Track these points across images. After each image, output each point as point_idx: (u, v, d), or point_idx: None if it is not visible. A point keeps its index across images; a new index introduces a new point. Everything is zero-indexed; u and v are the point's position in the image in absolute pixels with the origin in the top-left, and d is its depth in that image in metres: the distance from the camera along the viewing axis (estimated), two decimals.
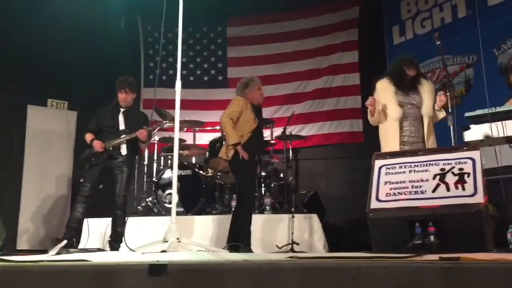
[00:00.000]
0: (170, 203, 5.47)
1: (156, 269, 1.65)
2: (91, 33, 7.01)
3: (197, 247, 3.14)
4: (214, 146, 5.77)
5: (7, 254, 4.53)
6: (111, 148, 4.60)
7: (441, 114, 4.00)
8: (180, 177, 5.42)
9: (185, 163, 5.91)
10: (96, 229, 5.19)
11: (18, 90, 6.56)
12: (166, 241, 2.75)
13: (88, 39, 6.99)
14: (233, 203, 5.44)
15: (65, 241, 4.10)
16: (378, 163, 2.88)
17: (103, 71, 7.08)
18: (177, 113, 3.13)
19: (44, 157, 6.55)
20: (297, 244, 4.78)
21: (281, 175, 6.22)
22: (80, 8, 6.65)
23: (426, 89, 4.01)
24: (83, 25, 6.83)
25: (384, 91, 4.05)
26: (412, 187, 2.68)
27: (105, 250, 4.63)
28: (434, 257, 1.88)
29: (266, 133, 6.65)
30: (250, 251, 4.13)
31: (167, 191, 5.62)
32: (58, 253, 3.55)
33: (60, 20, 6.52)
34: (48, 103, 6.84)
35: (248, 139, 4.58)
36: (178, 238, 2.76)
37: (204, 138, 6.84)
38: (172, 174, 5.50)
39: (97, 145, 4.59)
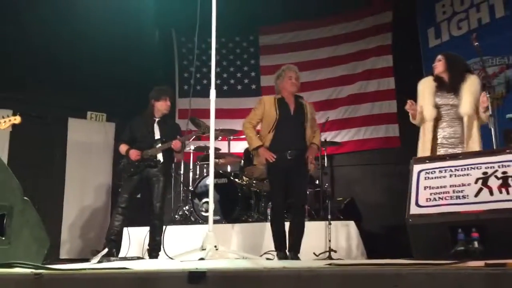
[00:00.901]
0: (206, 211, 5.51)
1: (195, 277, 1.66)
2: (127, 47, 7.18)
3: (234, 254, 3.15)
4: (249, 154, 5.78)
5: (50, 263, 4.66)
6: (147, 157, 4.68)
7: (486, 115, 3.86)
8: (216, 186, 5.46)
9: (220, 171, 5.95)
10: (135, 238, 5.28)
11: (60, 103, 6.78)
12: (204, 249, 2.76)
13: (124, 52, 7.16)
14: (269, 211, 5.44)
15: (106, 249, 4.19)
16: (416, 167, 2.82)
17: (139, 82, 7.22)
18: (212, 122, 3.15)
19: (84, 168, 6.74)
20: (335, 251, 4.72)
21: (317, 182, 6.17)
22: (116, 23, 6.82)
23: (468, 87, 3.83)
24: (119, 39, 7.00)
25: (423, 91, 3.98)
26: (453, 192, 2.61)
27: (144, 259, 4.70)
28: (479, 263, 1.82)
29: None
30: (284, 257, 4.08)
31: (203, 200, 5.66)
32: (99, 262, 3.63)
33: (97, 35, 6.71)
34: (87, 116, 7.05)
35: (272, 138, 4.32)
36: (215, 246, 2.77)
37: (239, 147, 6.87)
38: (208, 183, 5.59)
39: (134, 154, 4.67)
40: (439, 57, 4.00)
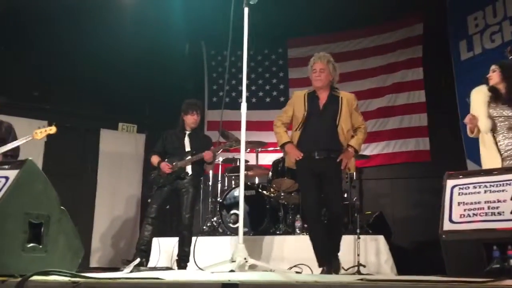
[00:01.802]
0: (234, 223, 5.53)
1: None
2: (157, 59, 7.33)
3: (263, 267, 3.15)
4: (277, 166, 5.79)
5: (82, 271, 4.75)
6: (177, 169, 4.75)
7: None
8: (244, 198, 5.47)
9: (248, 183, 5.97)
10: (164, 249, 5.33)
11: (92, 115, 6.95)
12: (234, 261, 2.77)
13: (155, 65, 7.32)
14: (297, 224, 5.42)
15: (138, 259, 4.25)
16: (450, 183, 2.77)
17: (169, 94, 7.36)
18: (243, 136, 3.16)
19: (115, 179, 6.87)
20: (364, 266, 4.66)
21: (345, 195, 6.12)
22: (147, 36, 6.98)
23: None
24: (150, 52, 7.16)
25: (477, 100, 3.87)
26: (488, 208, 2.55)
27: (173, 269, 4.74)
28: None
29: None
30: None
31: (232, 211, 5.68)
32: (131, 271, 3.69)
33: (128, 49, 6.87)
34: (119, 127, 7.19)
35: (299, 136, 3.99)
36: (245, 258, 2.78)
37: (267, 159, 6.89)
38: (236, 194, 5.61)
39: (165, 167, 4.75)
40: (493, 67, 3.87)
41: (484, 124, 3.75)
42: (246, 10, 3.25)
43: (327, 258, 3.84)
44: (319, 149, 3.91)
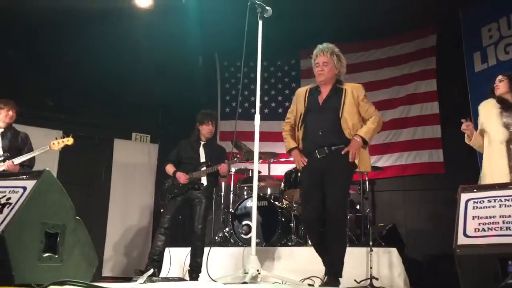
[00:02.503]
0: (246, 233, 5.53)
1: None
2: (170, 70, 7.41)
3: (276, 279, 3.15)
4: (290, 177, 5.79)
5: (95, 280, 4.78)
6: (192, 179, 4.77)
7: None
8: (256, 208, 5.48)
9: (261, 194, 5.97)
10: (176, 259, 5.34)
11: (106, 125, 7.03)
12: (247, 273, 2.78)
13: (168, 76, 7.39)
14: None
15: (152, 270, 4.27)
16: (464, 196, 2.75)
17: (181, 104, 7.42)
18: (257, 146, 3.18)
19: (128, 188, 6.92)
20: (376, 279, 4.62)
21: (358, 206, 6.09)
22: (160, 48, 7.06)
23: None
24: (163, 63, 7.25)
25: (487, 112, 3.88)
26: (503, 223, 2.53)
27: (185, 280, 4.75)
28: None
29: None
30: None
31: (244, 222, 5.68)
32: (144, 282, 3.70)
33: (142, 60, 6.97)
34: (132, 137, 7.26)
35: (302, 136, 3.68)
36: (258, 270, 2.78)
37: (279, 169, 6.89)
38: (248, 205, 5.62)
39: (182, 177, 4.77)
40: (500, 77, 3.90)
41: (500, 133, 3.74)
42: (260, 23, 3.29)
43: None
44: (320, 146, 3.56)
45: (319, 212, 3.49)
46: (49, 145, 4.67)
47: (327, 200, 3.46)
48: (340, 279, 3.52)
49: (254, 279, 2.75)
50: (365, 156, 3.66)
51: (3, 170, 4.48)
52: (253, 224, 2.95)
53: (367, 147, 3.69)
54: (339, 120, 3.57)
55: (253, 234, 2.95)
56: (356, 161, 3.55)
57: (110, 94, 6.97)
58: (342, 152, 3.51)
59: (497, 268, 2.48)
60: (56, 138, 4.71)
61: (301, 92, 3.84)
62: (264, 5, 3.30)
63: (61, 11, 6.00)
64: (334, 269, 3.50)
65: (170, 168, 4.94)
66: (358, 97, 3.67)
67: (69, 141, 4.72)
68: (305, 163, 3.62)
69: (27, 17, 6.09)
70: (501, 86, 3.87)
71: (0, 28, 6.07)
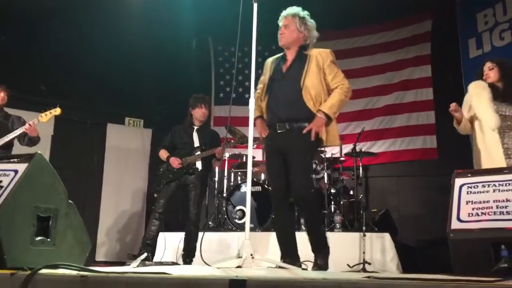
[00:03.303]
0: (240, 218, 5.54)
1: (236, 285, 1.67)
2: (164, 54, 7.34)
3: (269, 263, 3.15)
4: None
5: (88, 265, 4.77)
6: (186, 164, 4.75)
7: None
8: (250, 194, 5.48)
9: (255, 179, 5.97)
10: (170, 243, 5.35)
11: (99, 109, 6.97)
12: (240, 257, 2.77)
13: (161, 60, 7.33)
14: (303, 220, 5.41)
15: (145, 254, 4.27)
16: (458, 181, 2.76)
17: (175, 89, 7.36)
18: (251, 131, 3.10)
19: (121, 173, 6.90)
20: (369, 263, 4.66)
21: (351, 192, 6.12)
22: (153, 31, 7.00)
23: None
24: (156, 47, 7.18)
25: (478, 95, 3.75)
26: (497, 207, 2.53)
27: (179, 264, 4.76)
28: None
29: (335, 150, 6.60)
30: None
31: (237, 207, 5.69)
32: (137, 266, 3.70)
33: (134, 44, 6.89)
34: (125, 121, 7.21)
35: (265, 107, 3.46)
36: (252, 254, 2.78)
37: None
38: (242, 190, 5.62)
39: (175, 162, 4.75)
40: (490, 65, 3.79)
41: (494, 120, 3.64)
42: (255, 5, 3.22)
43: (291, 250, 3.39)
44: (281, 120, 3.33)
45: (287, 185, 3.33)
46: (37, 119, 4.62)
47: (293, 183, 3.29)
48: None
49: (247, 264, 2.74)
50: (332, 129, 3.37)
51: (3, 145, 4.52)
52: (247, 209, 2.93)
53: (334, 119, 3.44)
54: (300, 90, 3.31)
55: (247, 219, 2.94)
56: (323, 136, 3.30)
57: (103, 79, 6.90)
58: (304, 131, 3.26)
59: (490, 253, 2.50)
60: (43, 110, 4.65)
61: (270, 60, 3.63)
62: None
63: None
64: (321, 249, 3.40)
65: (163, 154, 4.92)
66: (324, 63, 3.39)
67: (57, 111, 4.67)
68: (265, 135, 3.45)
69: (20, 2, 5.98)
70: (492, 75, 3.76)
71: None
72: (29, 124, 4.54)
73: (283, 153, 3.35)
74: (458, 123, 3.83)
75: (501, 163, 3.56)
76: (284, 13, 3.51)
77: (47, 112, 4.65)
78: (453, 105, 3.79)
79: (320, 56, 3.41)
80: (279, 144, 3.36)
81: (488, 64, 3.82)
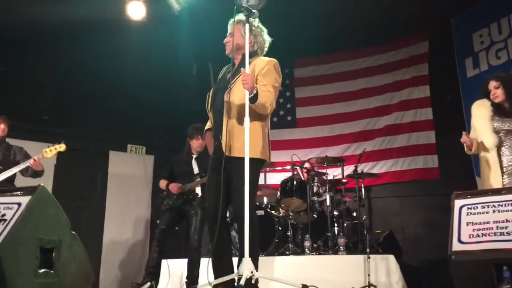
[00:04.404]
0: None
1: None
2: (164, 80, 7.41)
3: (269, 280, 3.12)
4: (286, 185, 5.80)
5: None
6: (186, 190, 4.78)
7: None
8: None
9: (257, 203, 5.97)
10: (174, 270, 5.32)
11: (101, 137, 7.02)
12: (241, 275, 2.76)
13: (162, 86, 7.40)
14: (306, 243, 5.39)
15: (148, 283, 4.26)
16: (458, 203, 2.77)
17: (176, 115, 7.43)
18: (247, 156, 3.02)
19: (124, 200, 6.90)
20: (375, 286, 4.62)
21: (354, 214, 6.11)
22: (153, 58, 7.08)
23: None
24: (157, 74, 7.25)
25: (479, 115, 3.82)
26: (497, 228, 2.54)
27: None
28: None
29: (337, 172, 6.61)
30: None
31: None
32: None
33: (135, 70, 6.97)
34: (128, 148, 7.25)
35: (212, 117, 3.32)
36: (252, 272, 2.77)
37: (275, 178, 6.90)
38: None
39: (174, 188, 4.79)
40: (495, 83, 3.78)
41: (490, 139, 3.70)
42: (247, 26, 3.24)
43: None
44: (220, 133, 3.16)
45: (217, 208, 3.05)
46: (41, 153, 4.66)
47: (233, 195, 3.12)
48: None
49: (248, 282, 2.73)
50: (258, 141, 3.16)
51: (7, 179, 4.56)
52: (246, 227, 2.92)
53: (261, 129, 3.22)
54: (225, 101, 3.15)
55: (246, 237, 2.91)
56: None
57: (105, 107, 6.97)
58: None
59: (492, 274, 2.49)
60: (49, 146, 4.70)
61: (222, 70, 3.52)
62: (251, 9, 3.24)
63: (53, 24, 6.00)
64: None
65: (162, 183, 4.99)
66: (260, 70, 3.18)
67: (62, 147, 4.71)
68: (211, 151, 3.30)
69: (19, 31, 6.09)
70: (499, 94, 3.75)
71: None
72: (34, 159, 4.58)
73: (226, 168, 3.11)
74: (470, 149, 3.85)
75: (499, 182, 3.59)
76: (230, 20, 3.36)
77: (52, 148, 4.70)
78: (464, 135, 3.79)
79: (258, 63, 3.24)
80: (221, 157, 3.10)
81: (494, 83, 3.81)
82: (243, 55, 3.23)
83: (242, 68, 3.07)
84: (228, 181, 3.11)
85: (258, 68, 3.20)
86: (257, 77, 3.16)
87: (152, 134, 7.60)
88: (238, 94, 3.10)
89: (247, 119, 3.01)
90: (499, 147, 3.72)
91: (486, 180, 3.79)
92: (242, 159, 2.95)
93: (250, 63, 3.20)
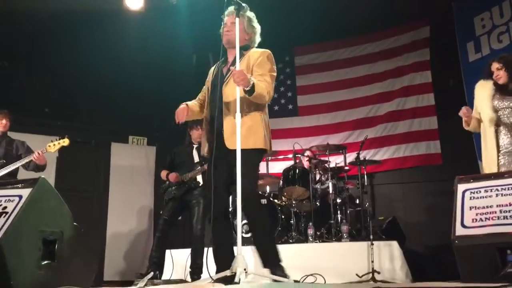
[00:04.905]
0: (246, 232, 5.52)
1: None
2: (164, 71, 7.38)
3: (264, 278, 3.12)
4: (288, 174, 5.79)
5: (96, 285, 4.78)
6: (188, 179, 4.78)
7: None
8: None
9: (260, 192, 5.97)
10: (177, 260, 5.34)
11: (103, 129, 7.03)
12: (234, 272, 2.76)
13: (162, 77, 7.37)
14: (310, 231, 5.40)
15: (151, 273, 4.28)
16: (461, 187, 2.75)
17: (176, 105, 7.38)
18: (238, 140, 2.95)
19: (127, 192, 6.92)
20: (378, 272, 4.62)
21: (357, 201, 6.10)
22: (153, 48, 7.04)
23: None
24: (157, 64, 7.22)
25: (482, 95, 3.84)
26: (501, 212, 2.53)
27: (187, 281, 4.75)
28: None
29: (339, 159, 6.60)
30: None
31: (243, 221, 5.67)
32: (145, 285, 3.70)
33: (135, 61, 6.94)
34: (129, 140, 7.26)
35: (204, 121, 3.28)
36: (245, 269, 2.77)
37: (277, 167, 6.89)
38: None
39: (173, 176, 4.80)
40: (498, 65, 3.77)
41: (488, 115, 3.72)
42: (237, 20, 3.19)
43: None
44: (219, 128, 3.14)
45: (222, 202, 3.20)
46: (45, 148, 4.67)
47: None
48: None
49: (242, 279, 2.73)
50: (258, 131, 3.16)
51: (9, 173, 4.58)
52: (238, 222, 2.90)
53: (261, 119, 3.22)
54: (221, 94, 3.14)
55: (238, 233, 2.90)
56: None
57: (106, 98, 6.96)
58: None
59: (496, 258, 2.49)
60: (52, 141, 4.71)
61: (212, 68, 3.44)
62: (241, 3, 3.19)
63: (52, 17, 5.99)
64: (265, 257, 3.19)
65: (163, 174, 5.02)
66: (255, 61, 3.17)
67: (65, 142, 4.72)
68: (181, 120, 3.31)
69: (19, 23, 6.07)
70: (502, 75, 3.74)
71: None
72: (38, 153, 4.59)
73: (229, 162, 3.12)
74: (468, 125, 3.88)
75: (494, 161, 3.62)
76: (230, 11, 3.26)
77: (56, 142, 4.71)
78: (463, 109, 3.84)
79: (253, 55, 3.22)
80: (225, 151, 3.12)
81: (496, 65, 3.81)
82: (245, 48, 3.25)
83: (232, 67, 3.03)
84: (231, 174, 3.10)
85: (252, 59, 3.20)
86: (253, 67, 3.16)
87: (153, 125, 7.59)
88: (234, 88, 3.05)
89: (238, 114, 2.97)
90: (497, 125, 3.72)
91: (484, 157, 3.80)
92: (243, 151, 2.94)
93: (243, 55, 3.22)
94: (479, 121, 3.89)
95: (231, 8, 3.24)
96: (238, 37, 3.12)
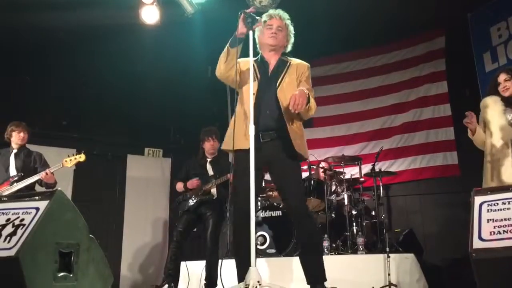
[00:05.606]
0: (261, 244, 5.51)
1: None
2: (179, 83, 7.45)
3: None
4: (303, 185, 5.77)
5: None
6: (202, 191, 4.80)
7: None
8: (270, 219, 5.48)
9: (274, 204, 5.95)
10: (193, 272, 5.33)
11: (119, 141, 7.10)
12: (248, 285, 2.75)
13: (178, 89, 7.44)
14: (325, 243, 5.35)
15: (167, 285, 4.29)
16: (478, 199, 2.71)
17: (191, 116, 7.46)
18: (252, 158, 2.94)
19: (142, 203, 6.96)
20: (395, 286, 4.56)
21: (373, 213, 6.04)
22: (168, 61, 7.11)
23: None
24: (172, 76, 7.29)
25: (490, 109, 3.76)
26: None
27: None
28: None
29: (354, 170, 6.56)
30: None
31: (258, 233, 5.66)
32: None
33: (151, 74, 7.03)
34: (145, 152, 7.32)
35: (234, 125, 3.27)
36: (259, 281, 2.76)
37: None
38: (261, 215, 5.61)
39: (194, 182, 4.82)
40: (506, 76, 3.72)
41: (503, 133, 3.63)
42: (250, 33, 3.21)
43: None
44: (263, 130, 3.18)
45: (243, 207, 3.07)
46: (61, 163, 4.75)
47: (287, 191, 3.21)
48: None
49: None
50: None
51: (26, 186, 4.64)
52: (252, 233, 2.89)
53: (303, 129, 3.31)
54: (276, 97, 3.20)
55: (252, 246, 2.88)
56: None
57: (122, 111, 7.05)
58: (292, 108, 2.96)
59: None
60: (69, 156, 4.79)
61: (247, 61, 3.29)
62: (254, 16, 3.21)
63: (70, 31, 6.10)
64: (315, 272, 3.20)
65: (179, 185, 5.03)
66: (303, 75, 3.31)
67: (81, 157, 4.80)
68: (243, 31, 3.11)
69: (36, 38, 6.19)
70: (510, 87, 3.70)
71: (11, 52, 6.18)
72: (46, 173, 4.66)
73: (268, 164, 3.23)
74: (473, 133, 3.79)
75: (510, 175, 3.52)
76: (276, 14, 3.32)
77: (72, 158, 4.81)
78: (468, 115, 3.76)
79: (300, 66, 3.35)
80: (264, 154, 3.13)
81: (504, 76, 3.76)
82: (282, 54, 3.39)
83: (295, 93, 3.01)
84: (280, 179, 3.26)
85: (299, 71, 3.32)
86: (301, 80, 3.30)
87: (168, 137, 7.65)
88: (287, 94, 3.13)
89: (251, 126, 2.96)
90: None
91: (490, 176, 3.71)
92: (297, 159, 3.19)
93: (283, 61, 3.35)
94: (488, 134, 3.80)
95: (279, 11, 3.32)
96: (251, 50, 3.17)
